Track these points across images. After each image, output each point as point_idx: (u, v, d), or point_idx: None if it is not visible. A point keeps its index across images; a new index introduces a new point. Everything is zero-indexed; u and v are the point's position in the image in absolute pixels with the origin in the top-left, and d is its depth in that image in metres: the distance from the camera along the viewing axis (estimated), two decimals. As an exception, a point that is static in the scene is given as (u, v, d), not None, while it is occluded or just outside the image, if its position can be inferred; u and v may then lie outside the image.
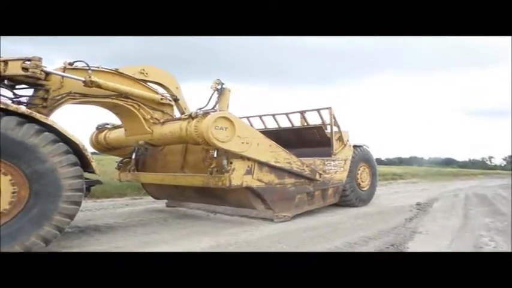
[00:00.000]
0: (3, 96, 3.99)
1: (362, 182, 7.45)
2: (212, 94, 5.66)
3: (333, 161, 6.64)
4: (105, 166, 8.02)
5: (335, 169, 6.65)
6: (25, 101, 4.17)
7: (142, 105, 5.16)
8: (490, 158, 77.94)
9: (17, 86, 4.18)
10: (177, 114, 5.73)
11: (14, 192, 3.02)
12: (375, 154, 8.52)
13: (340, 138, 7.02)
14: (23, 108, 3.33)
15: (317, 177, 6.07)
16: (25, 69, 3.91)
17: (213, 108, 5.44)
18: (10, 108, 3.11)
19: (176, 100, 5.70)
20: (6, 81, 4.01)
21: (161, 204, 6.90)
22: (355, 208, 6.92)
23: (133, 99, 5.04)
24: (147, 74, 5.34)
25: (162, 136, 5.15)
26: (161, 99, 5.40)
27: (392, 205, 7.66)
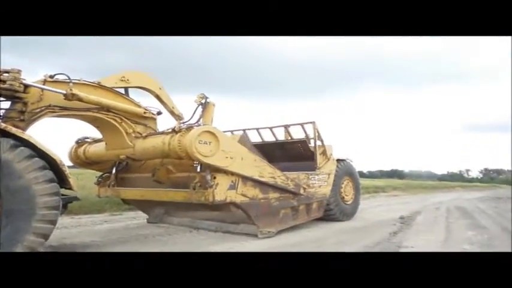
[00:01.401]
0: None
1: (346, 195, 7.47)
2: (196, 108, 5.61)
3: (317, 175, 6.66)
4: (84, 180, 7.79)
5: (319, 183, 6.66)
6: (0, 114, 4.02)
7: (124, 119, 5.06)
8: (467, 170, 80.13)
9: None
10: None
11: (-16, 211, 2.86)
12: (358, 167, 8.61)
13: (324, 152, 7.06)
14: (-3, 122, 3.20)
15: (301, 191, 6.05)
16: (2, 81, 3.78)
17: (196, 122, 5.39)
18: (-17, 122, 2.98)
19: (159, 113, 5.63)
20: (-19, 94, 3.86)
21: (142, 220, 6.71)
22: (339, 222, 6.90)
23: (115, 113, 4.94)
24: (128, 80, 5.26)
25: (144, 150, 5.04)
26: (144, 112, 5.31)
27: (375, 219, 7.70)
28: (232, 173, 4.91)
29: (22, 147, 3.08)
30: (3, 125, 3.14)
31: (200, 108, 5.63)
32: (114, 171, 5.83)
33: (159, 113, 5.63)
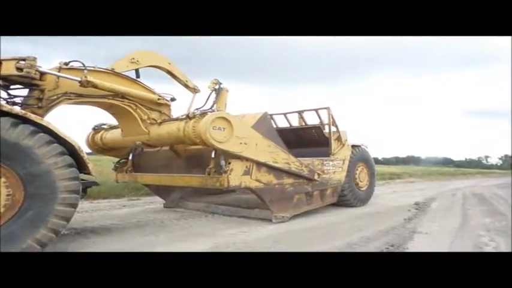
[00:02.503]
0: (-3, 96, 3.92)
1: (360, 182, 7.42)
2: (210, 94, 5.61)
3: (331, 161, 6.62)
4: (102, 166, 7.96)
5: (333, 169, 6.63)
6: (20, 101, 4.11)
7: (139, 106, 5.11)
8: (487, 157, 78.28)
9: (12, 86, 4.12)
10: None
11: (8, 195, 2.95)
12: (373, 153, 8.51)
13: (339, 138, 7.00)
14: (17, 109, 3.27)
15: (316, 177, 6.04)
16: (19, 69, 3.84)
17: (210, 108, 5.40)
18: (4, 108, 3.05)
19: (173, 100, 5.65)
20: (0, 82, 3.95)
21: (158, 205, 6.85)
22: (353, 208, 6.89)
23: (130, 99, 4.99)
24: (138, 61, 5.25)
25: (159, 137, 5.10)
26: (158, 99, 5.34)
27: (390, 205, 7.64)
28: (247, 159, 4.92)
29: (41, 134, 3.14)
30: (23, 111, 3.21)
31: (214, 94, 5.63)
32: (130, 157, 5.94)
33: (172, 99, 5.65)
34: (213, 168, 4.83)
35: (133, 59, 5.21)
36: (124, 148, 5.93)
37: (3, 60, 3.87)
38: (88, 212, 6.01)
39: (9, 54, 3.92)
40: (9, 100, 4.01)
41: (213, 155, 4.88)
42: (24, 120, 3.12)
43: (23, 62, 3.89)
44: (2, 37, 3.47)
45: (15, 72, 3.84)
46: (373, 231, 4.69)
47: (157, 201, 7.09)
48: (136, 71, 5.29)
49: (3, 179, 2.93)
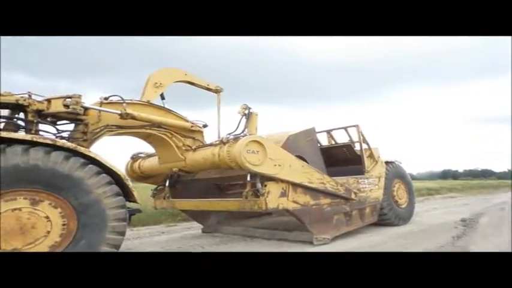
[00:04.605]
0: (47, 132, 4.20)
1: (399, 199, 7.19)
2: (240, 119, 5.72)
3: (366, 178, 6.49)
4: (139, 193, 8.17)
5: (370, 187, 6.48)
6: (66, 135, 4.38)
7: (174, 133, 5.30)
8: (533, 167, 73.11)
9: (59, 122, 4.41)
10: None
11: (63, 225, 3.11)
12: (407, 169, 8.26)
13: (371, 155, 6.89)
14: (68, 143, 3.48)
15: (352, 196, 5.92)
16: (66, 106, 4.13)
17: (242, 132, 5.49)
18: (57, 143, 3.27)
19: (205, 126, 5.82)
20: (49, 118, 4.25)
21: (196, 230, 6.90)
22: (395, 227, 6.64)
23: (165, 128, 5.19)
24: (161, 83, 5.51)
25: (195, 162, 5.22)
26: (191, 126, 5.52)
27: (434, 222, 7.29)
28: (282, 180, 4.92)
29: (90, 165, 3.33)
30: (73, 145, 3.41)
31: (244, 119, 5.74)
32: (167, 183, 6.09)
33: (205, 126, 5.82)
34: (250, 192, 4.86)
35: (156, 83, 5.48)
36: (161, 175, 6.10)
37: (52, 99, 4.18)
38: (130, 239, 6.14)
39: (47, 90, 4.27)
40: (57, 135, 4.28)
41: (248, 178, 4.92)
42: (74, 153, 3.31)
43: (69, 100, 4.17)
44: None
45: (63, 109, 4.12)
46: (420, 249, 4.46)
47: (195, 227, 7.16)
48: (161, 94, 5.54)
49: (59, 210, 3.10)
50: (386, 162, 7.18)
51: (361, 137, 6.74)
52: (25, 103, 3.90)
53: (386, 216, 6.63)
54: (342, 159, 7.24)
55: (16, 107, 3.91)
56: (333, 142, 7.49)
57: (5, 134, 3.11)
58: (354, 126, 6.84)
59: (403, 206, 7.24)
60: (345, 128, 7.05)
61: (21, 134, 3.50)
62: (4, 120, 3.84)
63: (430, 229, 6.38)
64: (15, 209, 2.93)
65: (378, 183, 6.70)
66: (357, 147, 6.94)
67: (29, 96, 4.00)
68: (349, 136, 7.04)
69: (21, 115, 4.02)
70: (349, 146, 7.09)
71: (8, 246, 2.86)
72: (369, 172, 6.64)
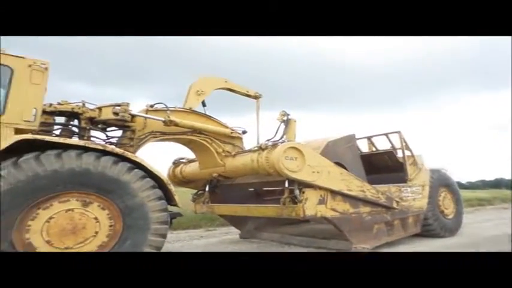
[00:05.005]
0: (97, 138, 4.50)
1: (446, 209, 6.81)
2: (279, 125, 5.75)
3: (409, 187, 6.24)
4: (179, 198, 8.45)
5: (413, 196, 6.22)
6: (115, 141, 4.66)
7: (214, 139, 5.46)
8: None
9: (108, 128, 4.71)
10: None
11: (110, 226, 3.32)
12: (455, 177, 7.81)
13: (414, 163, 6.62)
14: (117, 149, 3.71)
15: (394, 205, 5.71)
16: (115, 113, 4.41)
17: (280, 139, 5.52)
18: (107, 149, 3.50)
19: (244, 132, 5.93)
20: (100, 125, 4.56)
21: (234, 235, 7.00)
22: (441, 239, 6.29)
23: (206, 134, 5.36)
24: (202, 91, 5.71)
25: (234, 168, 5.32)
26: (231, 132, 5.66)
27: (486, 234, 6.82)
28: (320, 188, 4.87)
29: (136, 169, 3.52)
30: (121, 150, 3.64)
31: (283, 125, 5.76)
32: (207, 188, 6.24)
33: (244, 132, 5.93)
34: (288, 198, 4.86)
35: (198, 91, 5.68)
36: (201, 180, 6.28)
37: (103, 107, 4.49)
38: (170, 242, 6.36)
39: (98, 97, 4.55)
40: (107, 141, 4.57)
41: (286, 185, 4.92)
42: (122, 158, 3.53)
43: (118, 108, 4.45)
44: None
45: (112, 117, 4.41)
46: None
47: (233, 232, 7.26)
48: (203, 101, 5.72)
49: (106, 211, 3.31)
50: (431, 170, 6.86)
51: (404, 144, 6.50)
52: (79, 111, 4.24)
53: (431, 226, 6.31)
54: (384, 166, 7.03)
55: (71, 114, 4.25)
56: (374, 149, 7.28)
57: (61, 140, 3.39)
58: (396, 132, 6.64)
59: (450, 217, 6.85)
60: (386, 135, 6.85)
61: (75, 140, 3.79)
62: (61, 127, 4.18)
63: (481, 242, 5.95)
64: (68, 210, 3.18)
65: (421, 191, 6.42)
66: (399, 154, 6.71)
67: (83, 104, 4.33)
68: (391, 143, 6.83)
69: (75, 122, 4.37)
70: (390, 153, 6.88)
71: (61, 245, 3.11)
72: (411, 180, 6.38)
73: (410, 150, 6.60)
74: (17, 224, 2.95)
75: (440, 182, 6.91)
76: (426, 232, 6.29)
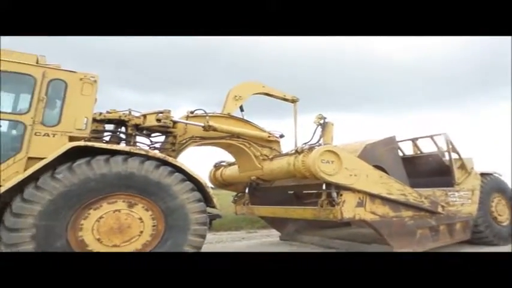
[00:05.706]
0: (142, 143, 4.80)
1: (499, 215, 6.37)
2: (316, 129, 5.74)
3: (456, 191, 5.93)
4: (221, 200, 8.69)
5: (461, 201, 5.90)
6: (157, 146, 4.94)
7: (252, 144, 5.58)
8: None
9: (152, 134, 5.01)
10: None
11: (153, 226, 3.54)
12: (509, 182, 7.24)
13: (462, 166, 6.28)
14: (159, 154, 3.95)
15: (439, 209, 5.46)
16: (158, 120, 4.68)
17: (317, 142, 5.50)
18: (150, 154, 3.74)
19: (282, 136, 6.00)
20: (144, 131, 4.86)
21: (274, 238, 7.06)
22: (493, 247, 5.88)
23: (244, 139, 5.51)
24: (240, 96, 5.84)
25: (272, 171, 5.40)
26: (268, 136, 5.75)
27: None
28: (359, 191, 4.80)
29: (177, 173, 3.73)
30: (163, 155, 3.87)
31: (319, 129, 5.74)
32: (247, 190, 6.38)
33: (281, 136, 6.00)
34: (325, 201, 4.84)
35: (235, 96, 5.82)
36: (241, 183, 6.43)
37: (147, 114, 4.79)
38: (212, 243, 6.57)
39: (142, 104, 4.81)
40: (150, 146, 4.87)
41: (324, 187, 4.90)
42: (164, 162, 3.75)
43: (161, 114, 4.73)
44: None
45: (155, 123, 4.69)
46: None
47: (273, 234, 7.33)
48: (241, 106, 5.86)
49: (150, 212, 3.54)
50: (482, 174, 6.47)
51: (450, 146, 6.19)
52: (126, 118, 4.56)
53: (482, 234, 5.93)
54: (428, 169, 6.72)
55: (119, 122, 4.58)
56: (418, 151, 6.99)
57: (109, 146, 3.68)
58: (442, 134, 6.33)
59: (504, 224, 6.39)
60: (431, 137, 6.56)
61: (121, 146, 4.09)
62: (109, 133, 4.53)
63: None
64: (115, 210, 3.43)
65: (471, 196, 6.07)
66: (446, 157, 6.38)
67: (129, 112, 4.66)
68: (436, 145, 6.52)
69: (123, 129, 4.70)
70: (436, 156, 6.58)
71: (109, 242, 3.36)
72: (459, 184, 6.07)
73: (458, 153, 6.27)
74: (71, 222, 3.25)
75: (492, 186, 6.49)
76: (477, 240, 5.92)
